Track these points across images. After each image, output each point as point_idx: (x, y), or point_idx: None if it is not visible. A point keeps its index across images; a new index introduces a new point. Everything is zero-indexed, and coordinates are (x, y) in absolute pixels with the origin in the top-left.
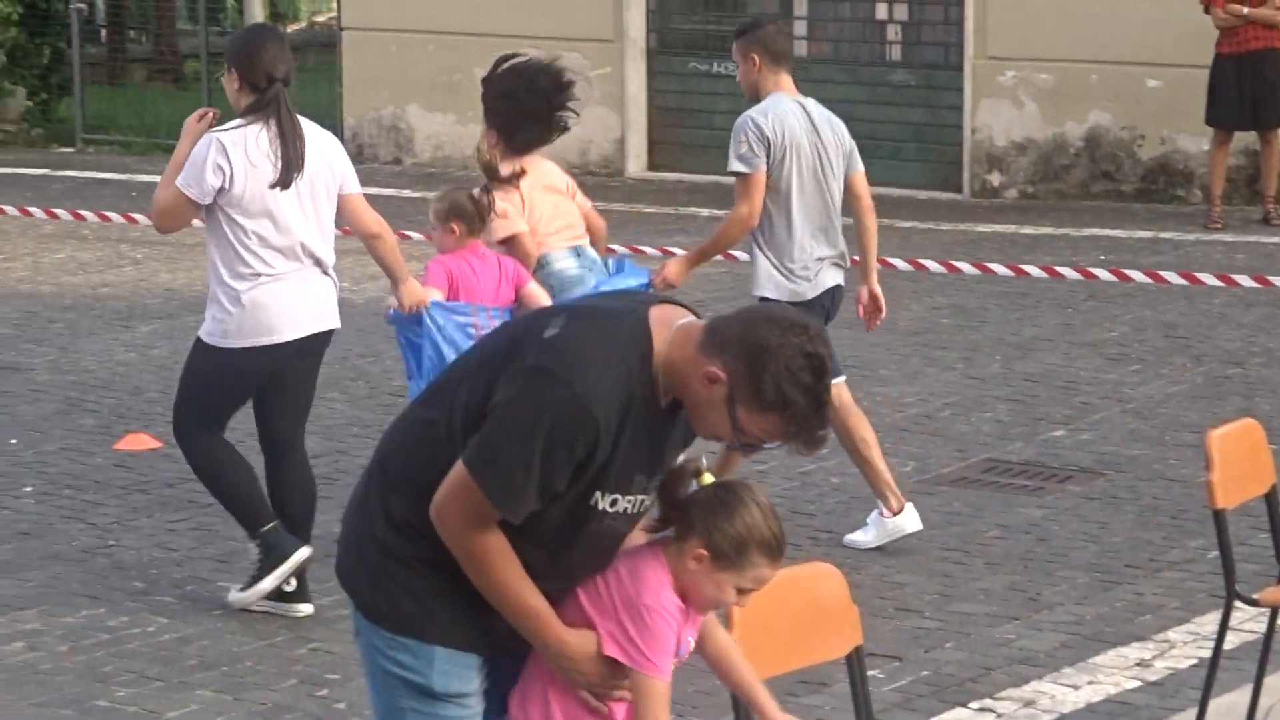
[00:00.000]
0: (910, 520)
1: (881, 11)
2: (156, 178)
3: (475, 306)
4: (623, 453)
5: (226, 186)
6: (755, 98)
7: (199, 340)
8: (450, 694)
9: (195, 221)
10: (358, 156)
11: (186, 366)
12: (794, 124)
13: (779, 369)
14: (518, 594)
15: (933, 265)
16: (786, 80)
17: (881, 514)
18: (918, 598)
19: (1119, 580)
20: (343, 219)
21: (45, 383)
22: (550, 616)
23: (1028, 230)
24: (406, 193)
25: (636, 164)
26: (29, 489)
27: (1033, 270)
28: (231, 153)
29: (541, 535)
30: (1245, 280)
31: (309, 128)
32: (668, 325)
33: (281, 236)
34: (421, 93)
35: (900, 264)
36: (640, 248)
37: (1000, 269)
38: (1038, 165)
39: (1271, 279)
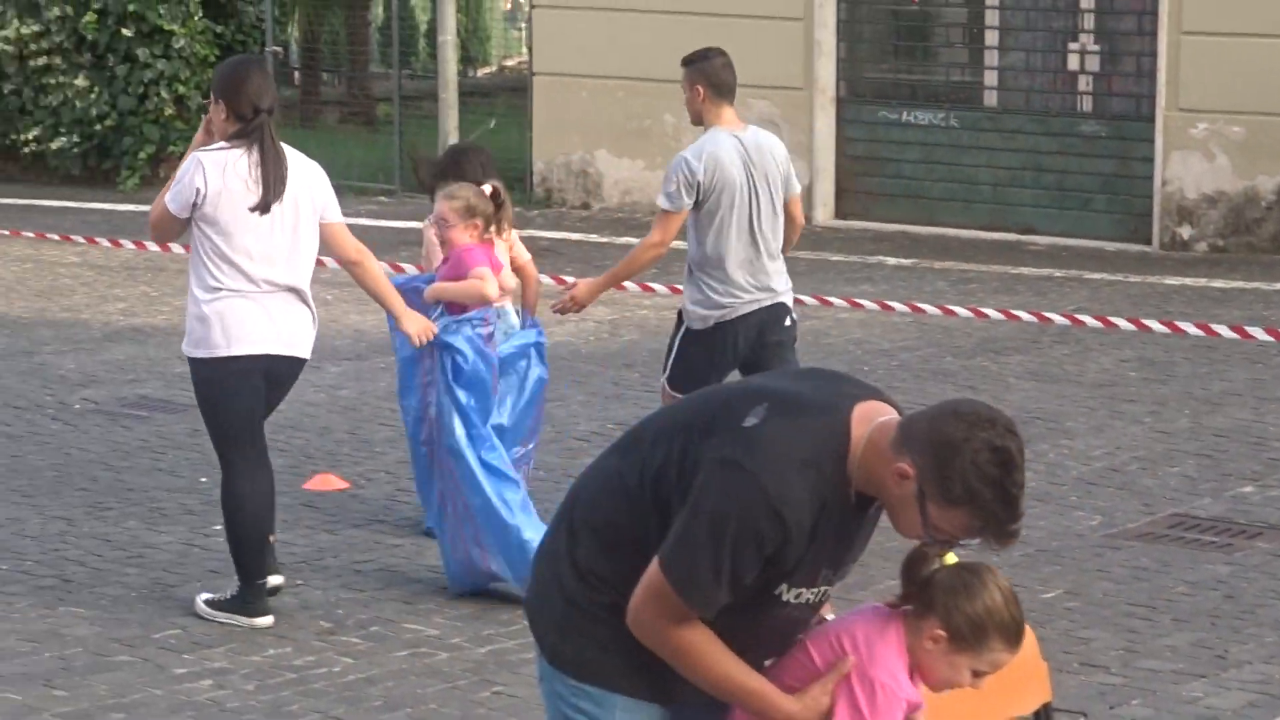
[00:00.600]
0: None
1: (1073, 62)
2: (353, 220)
3: (485, 310)
4: (813, 551)
5: (199, 203)
6: (699, 124)
7: (188, 358)
8: None
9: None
10: (546, 200)
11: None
12: (727, 161)
13: (965, 464)
14: (730, 678)
15: (1122, 323)
16: (728, 112)
17: None
18: (1104, 653)
19: None
20: (324, 248)
21: None
22: (771, 691)
23: (1218, 284)
24: (594, 238)
25: (824, 212)
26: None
27: (1222, 330)
28: (209, 172)
29: (722, 612)
30: None
31: (294, 156)
32: (868, 422)
33: (252, 258)
34: (611, 138)
35: (1088, 320)
36: (827, 298)
37: (1190, 328)
38: (1228, 218)
39: None
